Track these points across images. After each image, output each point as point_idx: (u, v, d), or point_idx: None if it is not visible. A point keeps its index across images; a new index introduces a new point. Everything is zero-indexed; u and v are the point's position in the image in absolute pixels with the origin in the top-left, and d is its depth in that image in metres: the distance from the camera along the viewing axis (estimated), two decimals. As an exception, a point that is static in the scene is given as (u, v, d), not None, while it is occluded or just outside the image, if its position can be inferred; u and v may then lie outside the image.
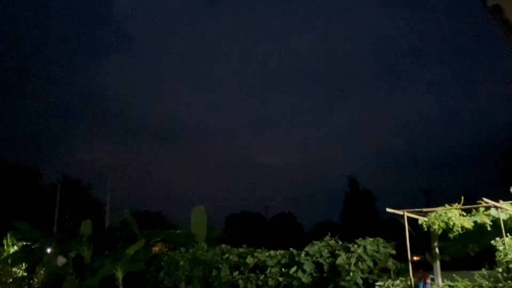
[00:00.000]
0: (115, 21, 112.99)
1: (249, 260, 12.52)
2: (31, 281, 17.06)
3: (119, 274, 14.68)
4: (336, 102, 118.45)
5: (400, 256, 10.46)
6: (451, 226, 8.70)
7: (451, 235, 8.78)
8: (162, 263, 14.45)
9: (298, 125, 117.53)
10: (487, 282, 8.23)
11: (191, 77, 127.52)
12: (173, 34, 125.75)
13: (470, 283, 8.61)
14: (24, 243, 18.51)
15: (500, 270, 7.99)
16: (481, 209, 8.92)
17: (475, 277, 8.65)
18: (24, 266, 17.56)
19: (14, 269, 17.49)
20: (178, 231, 19.94)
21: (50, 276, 16.40)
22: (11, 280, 17.21)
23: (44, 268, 16.77)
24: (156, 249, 16.42)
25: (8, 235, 18.72)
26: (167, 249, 15.97)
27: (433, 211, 9.13)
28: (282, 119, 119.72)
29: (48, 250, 17.57)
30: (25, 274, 17.41)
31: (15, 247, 18.50)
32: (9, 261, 17.54)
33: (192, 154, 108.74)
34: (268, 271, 12.01)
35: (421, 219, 9.50)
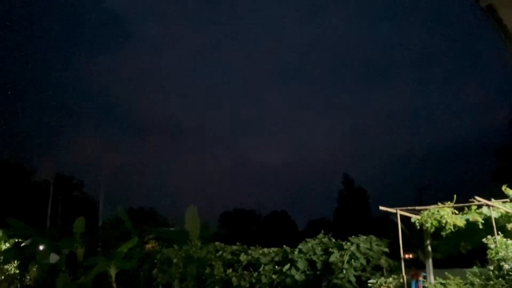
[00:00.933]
0: (113, 18, 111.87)
1: (243, 257, 12.54)
2: (23, 278, 16.96)
3: (113, 272, 14.65)
4: (330, 101, 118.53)
5: (393, 254, 10.51)
6: (443, 224, 8.75)
7: (443, 233, 8.84)
8: (155, 261, 14.43)
9: (292, 123, 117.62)
10: (478, 280, 8.30)
11: (189, 76, 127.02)
12: (173, 32, 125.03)
13: (462, 281, 8.68)
14: (17, 240, 18.40)
15: (491, 268, 8.03)
16: (473, 207, 8.97)
17: (467, 275, 8.71)
18: (16, 263, 17.44)
19: (6, 266, 17.37)
20: (172, 229, 19.93)
21: (42, 273, 16.33)
22: (3, 277, 17.09)
23: (36, 266, 16.68)
24: (149, 246, 16.39)
25: (0, 232, 18.58)
26: (160, 246, 15.94)
27: (426, 209, 9.18)
28: (276, 117, 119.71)
29: (41, 247, 17.48)
30: (17, 271, 17.31)
31: (7, 244, 18.36)
32: (1, 258, 17.42)
33: (187, 152, 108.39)
34: (261, 268, 12.04)
35: (414, 217, 9.54)
